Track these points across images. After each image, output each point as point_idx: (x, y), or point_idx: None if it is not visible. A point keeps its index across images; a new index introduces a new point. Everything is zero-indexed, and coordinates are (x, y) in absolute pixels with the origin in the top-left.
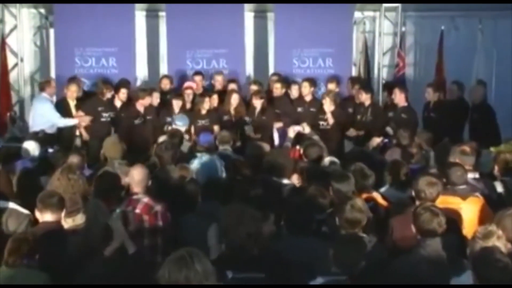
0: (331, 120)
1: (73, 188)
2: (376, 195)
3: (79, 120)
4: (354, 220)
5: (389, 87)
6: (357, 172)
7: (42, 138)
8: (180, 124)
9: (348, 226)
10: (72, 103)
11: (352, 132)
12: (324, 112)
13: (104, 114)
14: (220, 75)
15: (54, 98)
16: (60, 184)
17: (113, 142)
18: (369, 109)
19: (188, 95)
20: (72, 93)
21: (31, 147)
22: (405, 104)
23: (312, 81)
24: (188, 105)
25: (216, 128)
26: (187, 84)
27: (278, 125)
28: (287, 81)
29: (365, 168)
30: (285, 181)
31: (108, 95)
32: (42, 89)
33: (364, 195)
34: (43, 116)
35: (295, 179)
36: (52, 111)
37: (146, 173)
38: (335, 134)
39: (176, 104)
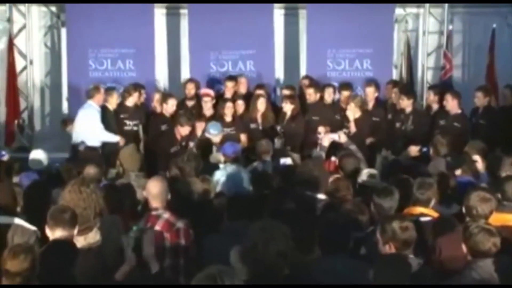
0: (353, 129)
1: (84, 202)
2: (427, 210)
3: (122, 142)
4: (402, 241)
5: (439, 92)
6: (403, 184)
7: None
8: (215, 132)
9: (394, 247)
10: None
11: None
12: (348, 119)
13: (128, 122)
14: (244, 77)
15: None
16: (71, 198)
17: (130, 153)
18: (410, 116)
19: (206, 102)
20: (115, 102)
21: (39, 157)
22: (458, 111)
23: (335, 88)
24: (208, 113)
25: (243, 137)
26: (204, 90)
27: (322, 129)
28: (320, 85)
29: (410, 179)
30: (320, 195)
31: (131, 101)
32: (90, 96)
33: (415, 210)
34: (86, 126)
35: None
36: (97, 121)
37: (164, 186)
38: (358, 144)
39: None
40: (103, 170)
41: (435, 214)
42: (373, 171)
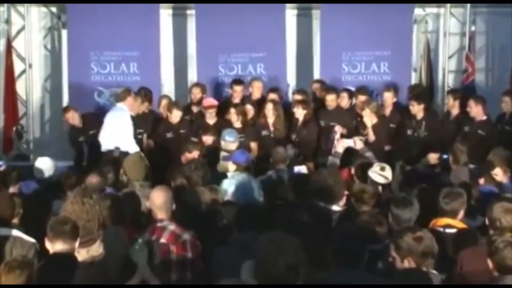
0: (372, 137)
1: (87, 214)
2: (455, 221)
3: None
4: (420, 254)
5: (459, 96)
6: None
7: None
8: (231, 139)
9: (413, 262)
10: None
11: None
12: (364, 126)
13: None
14: (259, 81)
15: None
16: (73, 209)
17: (134, 161)
18: (423, 122)
19: (211, 113)
20: (139, 107)
21: (46, 166)
22: (483, 117)
23: (351, 92)
24: (211, 122)
25: (253, 145)
26: (208, 102)
27: (338, 128)
28: (334, 89)
29: (432, 189)
30: (335, 207)
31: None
32: (121, 99)
33: (441, 221)
34: (121, 131)
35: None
36: (130, 129)
37: (169, 196)
38: (375, 152)
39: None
40: (106, 180)
41: (462, 226)
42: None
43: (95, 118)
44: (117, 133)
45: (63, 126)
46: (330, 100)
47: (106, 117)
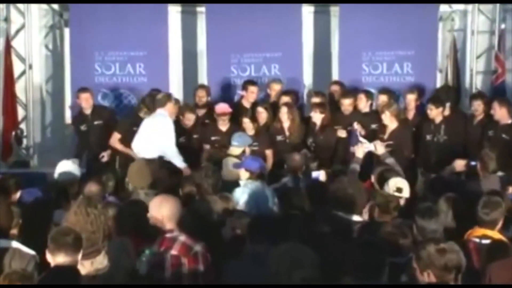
0: (381, 148)
1: (92, 225)
2: (493, 232)
3: (187, 172)
4: (442, 267)
5: (485, 100)
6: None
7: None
8: (235, 144)
9: (433, 275)
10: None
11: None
12: (383, 130)
13: None
14: (279, 83)
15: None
16: (77, 220)
17: (138, 168)
18: (442, 126)
19: (224, 120)
20: (175, 111)
21: (68, 169)
22: (508, 121)
23: (370, 94)
24: (224, 129)
25: (268, 152)
26: (221, 109)
27: (358, 126)
28: (353, 92)
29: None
30: (356, 217)
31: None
32: (161, 104)
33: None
34: (164, 139)
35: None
36: (173, 138)
37: (178, 206)
38: (396, 158)
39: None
40: (105, 188)
41: (499, 237)
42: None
43: (103, 109)
44: (159, 141)
45: (70, 110)
46: (347, 104)
47: (144, 124)
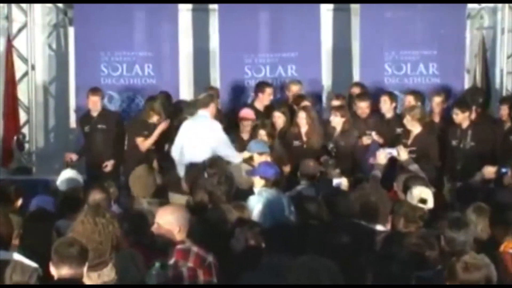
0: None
1: (100, 235)
2: None
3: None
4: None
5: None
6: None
7: None
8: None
9: None
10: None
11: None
12: (407, 135)
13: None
14: (297, 84)
15: None
16: (84, 229)
17: (140, 175)
18: (469, 132)
19: (245, 126)
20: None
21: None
22: None
23: (394, 96)
24: (246, 137)
25: (284, 161)
26: (245, 114)
27: (376, 137)
28: (373, 94)
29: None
30: (380, 227)
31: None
32: (203, 105)
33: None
34: (213, 142)
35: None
36: (227, 139)
37: (188, 215)
38: (423, 166)
39: None
40: (110, 196)
41: None
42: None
43: (110, 114)
44: (208, 144)
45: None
46: (364, 107)
47: (185, 126)
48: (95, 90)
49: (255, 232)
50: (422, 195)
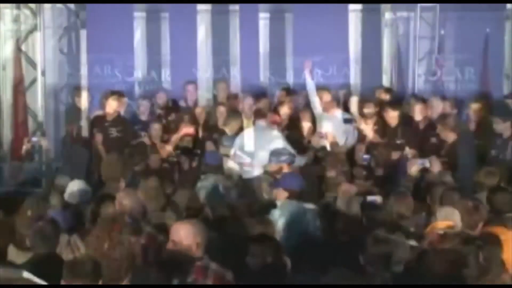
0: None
1: (115, 251)
2: None
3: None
4: None
5: None
6: None
7: None
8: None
9: None
10: None
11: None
12: (441, 145)
13: None
14: (327, 92)
15: None
16: (99, 245)
17: (150, 187)
18: (510, 142)
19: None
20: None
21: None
22: None
23: (426, 102)
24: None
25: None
26: (272, 118)
27: (411, 152)
28: (398, 103)
29: None
30: (413, 242)
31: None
32: (262, 115)
33: None
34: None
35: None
36: (284, 141)
37: (204, 230)
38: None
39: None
40: (123, 207)
41: None
42: None
43: (123, 121)
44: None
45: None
46: (394, 116)
47: (248, 138)
48: (117, 95)
49: (274, 248)
50: (448, 216)
